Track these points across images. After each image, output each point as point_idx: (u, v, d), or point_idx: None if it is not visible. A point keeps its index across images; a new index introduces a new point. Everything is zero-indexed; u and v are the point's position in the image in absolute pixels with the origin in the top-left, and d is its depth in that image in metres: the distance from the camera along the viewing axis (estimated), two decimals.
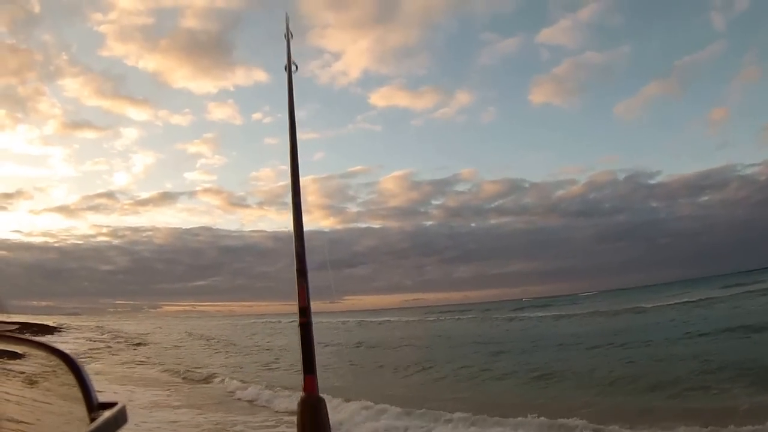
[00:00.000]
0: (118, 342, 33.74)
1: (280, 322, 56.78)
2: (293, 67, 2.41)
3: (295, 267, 1.84)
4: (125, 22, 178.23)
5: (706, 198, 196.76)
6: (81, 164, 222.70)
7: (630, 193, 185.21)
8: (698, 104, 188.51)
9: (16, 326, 42.07)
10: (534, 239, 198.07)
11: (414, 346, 23.02)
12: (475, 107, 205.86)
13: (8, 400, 0.73)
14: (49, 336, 37.71)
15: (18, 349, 0.69)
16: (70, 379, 0.69)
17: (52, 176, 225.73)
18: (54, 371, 0.71)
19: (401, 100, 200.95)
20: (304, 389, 1.56)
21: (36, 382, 0.78)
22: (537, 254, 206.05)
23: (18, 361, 0.73)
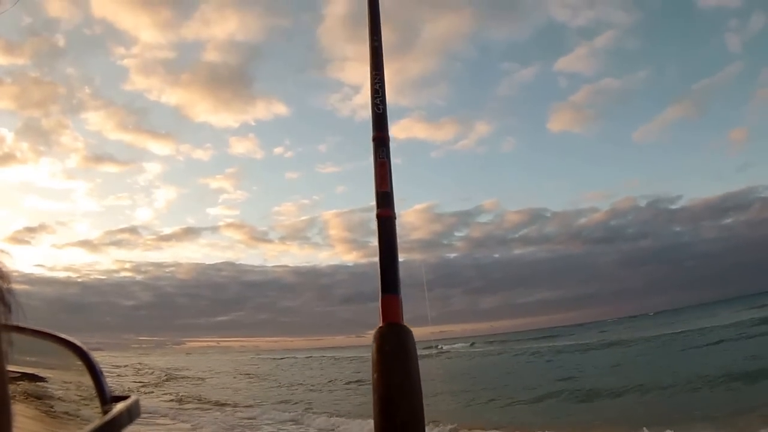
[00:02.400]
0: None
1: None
2: None
3: (371, 133, 1.57)
4: (148, 56, 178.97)
5: (729, 220, 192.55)
6: (104, 199, 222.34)
7: (652, 219, 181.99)
8: (717, 126, 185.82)
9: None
10: (558, 267, 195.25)
11: None
12: (495, 137, 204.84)
13: (16, 397, 0.71)
14: None
15: (30, 339, 0.66)
16: (83, 371, 0.70)
17: (75, 210, 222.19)
18: (66, 364, 0.71)
19: (421, 132, 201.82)
20: (384, 317, 1.23)
21: (48, 375, 0.79)
22: (561, 282, 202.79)
23: (31, 355, 0.72)
